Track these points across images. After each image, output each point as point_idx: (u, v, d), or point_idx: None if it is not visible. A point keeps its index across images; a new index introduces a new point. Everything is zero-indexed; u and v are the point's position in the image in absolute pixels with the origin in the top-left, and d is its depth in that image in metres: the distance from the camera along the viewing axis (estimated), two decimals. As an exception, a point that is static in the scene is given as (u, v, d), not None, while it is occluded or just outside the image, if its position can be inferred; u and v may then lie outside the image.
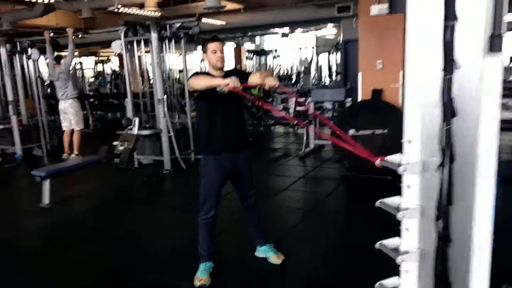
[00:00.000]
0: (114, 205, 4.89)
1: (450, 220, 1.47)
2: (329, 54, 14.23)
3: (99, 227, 4.16)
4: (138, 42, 6.47)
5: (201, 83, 2.70)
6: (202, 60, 13.28)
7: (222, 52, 2.83)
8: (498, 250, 1.45)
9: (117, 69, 15.29)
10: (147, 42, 6.35)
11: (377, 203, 1.69)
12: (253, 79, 2.73)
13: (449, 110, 1.40)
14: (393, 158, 1.70)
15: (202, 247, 2.92)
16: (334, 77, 13.15)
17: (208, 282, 2.82)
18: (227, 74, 2.81)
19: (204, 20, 7.26)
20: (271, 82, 2.64)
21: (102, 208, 4.79)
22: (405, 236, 1.68)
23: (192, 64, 11.75)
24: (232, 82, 2.55)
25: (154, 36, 6.10)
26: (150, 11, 9.54)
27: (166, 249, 3.57)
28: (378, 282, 1.73)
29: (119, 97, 11.81)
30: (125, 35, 6.33)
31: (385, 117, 5.27)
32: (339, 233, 3.77)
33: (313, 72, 15.39)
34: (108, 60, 18.06)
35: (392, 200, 1.72)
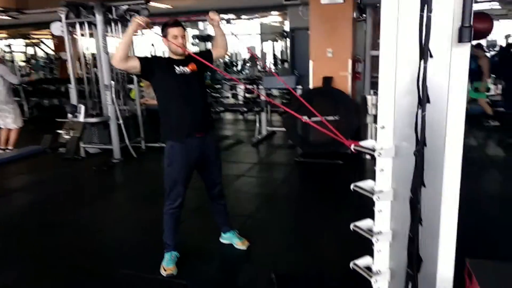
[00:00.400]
0: (64, 197, 4.61)
1: (422, 202, 1.56)
2: (274, 41, 14.34)
3: (50, 220, 3.89)
4: (81, 24, 6.11)
5: (121, 46, 2.59)
6: (153, 44, 12.86)
7: (183, 37, 2.76)
8: (461, 226, 1.57)
9: (52, 52, 14.32)
10: (90, 25, 6.03)
11: (352, 186, 1.75)
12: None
13: (424, 98, 1.47)
14: (366, 143, 1.76)
15: (167, 236, 2.85)
16: (279, 65, 13.27)
17: (175, 271, 2.77)
18: (188, 58, 2.76)
19: (149, 3, 6.98)
20: (213, 15, 2.81)
21: (50, 201, 4.48)
22: (378, 217, 1.76)
23: (139, 49, 11.26)
24: (138, 21, 2.59)
25: (99, 18, 5.79)
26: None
27: (126, 241, 3.44)
28: (352, 262, 1.80)
29: (55, 82, 11.13)
30: (66, 17, 5.95)
31: (335, 104, 5.44)
32: (297, 216, 3.87)
33: (258, 59, 15.43)
34: (41, 43, 16.86)
35: (366, 184, 1.79)
